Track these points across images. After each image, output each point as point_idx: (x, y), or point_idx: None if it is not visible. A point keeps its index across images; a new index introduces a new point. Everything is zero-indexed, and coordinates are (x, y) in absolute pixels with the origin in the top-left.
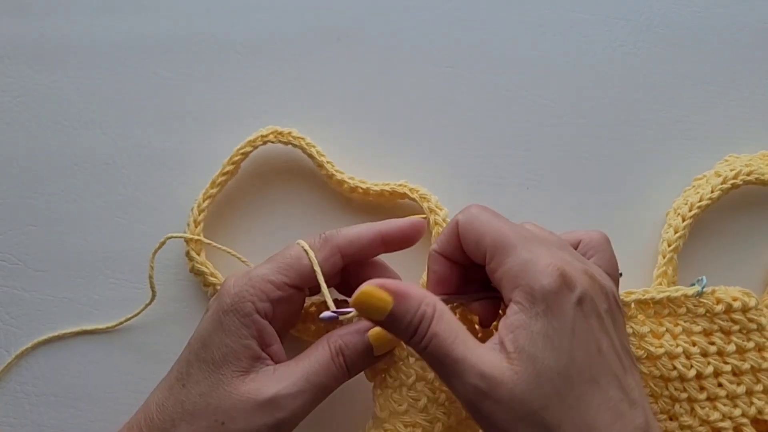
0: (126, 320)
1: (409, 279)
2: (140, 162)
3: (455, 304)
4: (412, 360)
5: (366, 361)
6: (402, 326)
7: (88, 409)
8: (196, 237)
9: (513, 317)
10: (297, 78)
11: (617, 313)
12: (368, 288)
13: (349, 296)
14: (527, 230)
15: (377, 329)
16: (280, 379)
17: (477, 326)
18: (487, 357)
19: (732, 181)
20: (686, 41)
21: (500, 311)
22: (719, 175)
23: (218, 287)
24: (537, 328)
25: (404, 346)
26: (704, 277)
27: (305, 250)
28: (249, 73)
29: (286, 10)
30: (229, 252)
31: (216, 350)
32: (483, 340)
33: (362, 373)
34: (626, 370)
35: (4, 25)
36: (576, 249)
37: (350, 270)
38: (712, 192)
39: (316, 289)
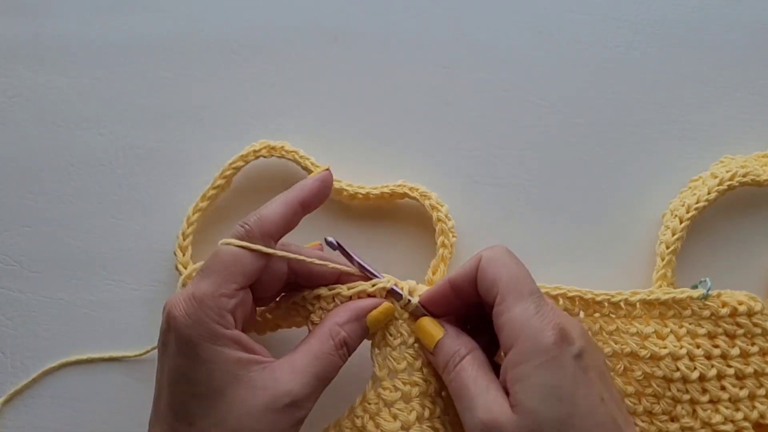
0: (153, 348)
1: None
2: (136, 163)
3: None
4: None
5: (361, 341)
6: (441, 356)
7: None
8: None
9: (513, 370)
10: (294, 78)
11: (607, 366)
12: (428, 319)
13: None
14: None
15: (375, 313)
16: (292, 381)
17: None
18: (497, 402)
19: (728, 182)
20: (682, 42)
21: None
22: (715, 177)
23: None
24: (540, 379)
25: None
26: (708, 279)
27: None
28: (245, 74)
29: (282, 11)
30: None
31: (209, 381)
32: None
33: None
34: (627, 423)
35: (0, 25)
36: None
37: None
38: (709, 193)
39: (266, 298)
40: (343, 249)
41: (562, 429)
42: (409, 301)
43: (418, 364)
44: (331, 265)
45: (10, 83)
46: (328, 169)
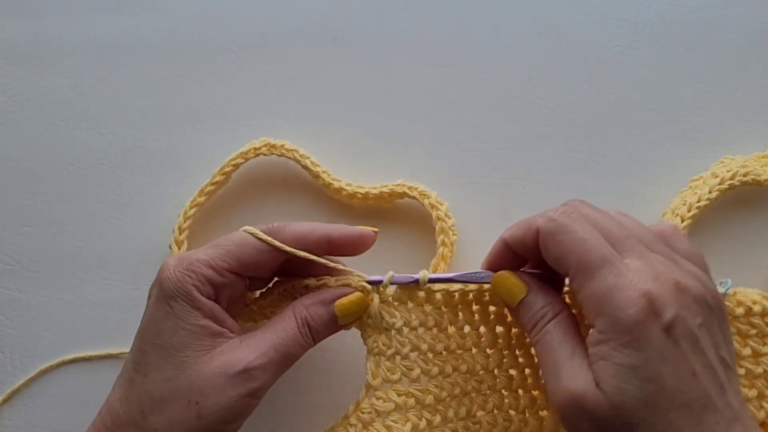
0: None
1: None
2: (135, 162)
3: None
4: (406, 330)
5: (330, 329)
6: (528, 315)
7: None
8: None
9: (595, 348)
10: (293, 78)
11: (714, 320)
12: (507, 272)
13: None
14: (616, 237)
15: (343, 300)
16: (249, 351)
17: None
18: (580, 373)
19: (729, 182)
20: (682, 42)
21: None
22: (716, 176)
23: None
24: (621, 360)
25: (398, 313)
26: (729, 280)
27: (252, 233)
28: (245, 74)
29: (281, 11)
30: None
31: (173, 335)
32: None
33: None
34: (724, 388)
35: (0, 25)
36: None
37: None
38: (710, 192)
39: (258, 284)
40: None
41: (647, 409)
42: (389, 285)
43: (414, 374)
44: (341, 266)
45: (10, 83)
46: (377, 232)
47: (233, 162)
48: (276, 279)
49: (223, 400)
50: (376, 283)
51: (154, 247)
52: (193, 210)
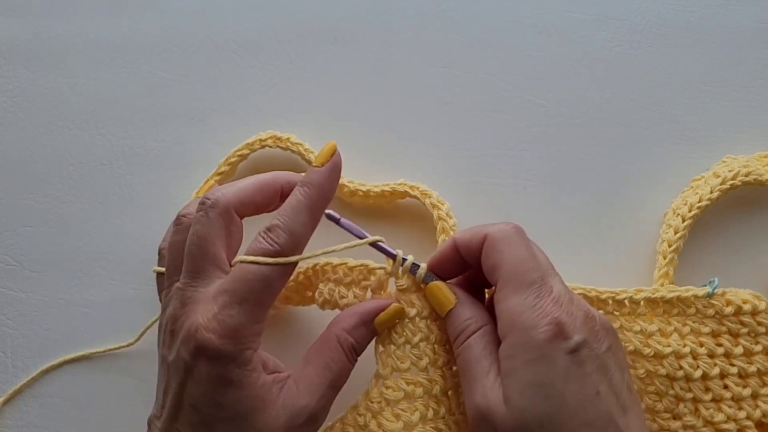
0: (145, 331)
1: None
2: (136, 163)
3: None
4: (418, 319)
5: (369, 342)
6: (451, 327)
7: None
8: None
9: (506, 362)
10: (293, 78)
11: (618, 348)
12: (441, 283)
13: None
14: (546, 264)
15: (382, 317)
16: (309, 396)
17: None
18: (492, 389)
19: (731, 182)
20: (682, 42)
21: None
22: (718, 176)
23: None
24: (528, 377)
25: (411, 304)
26: (716, 279)
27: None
28: (245, 74)
29: (282, 11)
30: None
31: (237, 406)
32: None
33: None
34: (625, 410)
35: (0, 25)
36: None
37: None
38: (711, 192)
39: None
40: (343, 224)
41: (549, 426)
42: (404, 260)
43: (423, 363)
44: (341, 247)
45: (10, 83)
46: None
47: (239, 153)
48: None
49: None
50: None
51: (154, 247)
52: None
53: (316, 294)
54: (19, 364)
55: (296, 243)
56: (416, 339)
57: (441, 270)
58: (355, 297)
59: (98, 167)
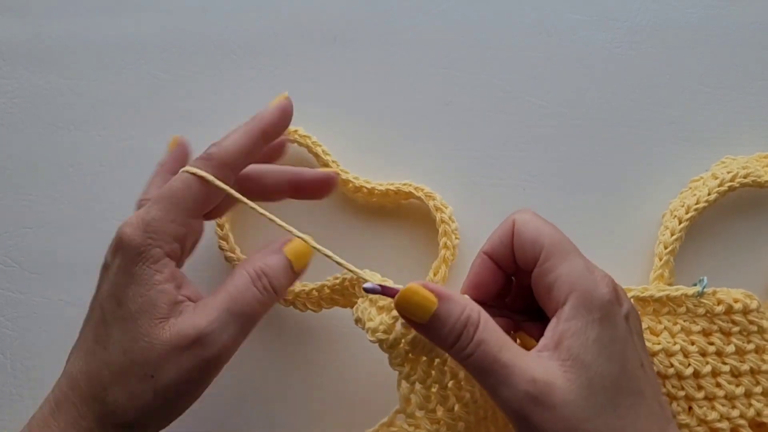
0: None
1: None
2: (135, 164)
3: None
4: (450, 359)
5: (289, 278)
6: (445, 330)
7: None
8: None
9: (567, 323)
10: (293, 79)
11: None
12: (414, 285)
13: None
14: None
15: (290, 244)
16: (200, 317)
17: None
18: (537, 363)
19: (729, 183)
20: (682, 42)
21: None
22: (716, 177)
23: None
24: (593, 335)
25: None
26: (705, 278)
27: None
28: (245, 75)
29: (282, 11)
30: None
31: (132, 303)
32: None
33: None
34: (659, 389)
35: (0, 25)
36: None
37: None
38: (709, 194)
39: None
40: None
41: (611, 388)
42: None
43: (450, 403)
44: (286, 226)
45: (9, 84)
46: (287, 98)
47: None
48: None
49: (177, 374)
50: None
51: None
52: None
53: (353, 308)
54: (19, 365)
55: (222, 154)
56: (446, 380)
57: (480, 287)
58: (381, 325)
59: (98, 168)
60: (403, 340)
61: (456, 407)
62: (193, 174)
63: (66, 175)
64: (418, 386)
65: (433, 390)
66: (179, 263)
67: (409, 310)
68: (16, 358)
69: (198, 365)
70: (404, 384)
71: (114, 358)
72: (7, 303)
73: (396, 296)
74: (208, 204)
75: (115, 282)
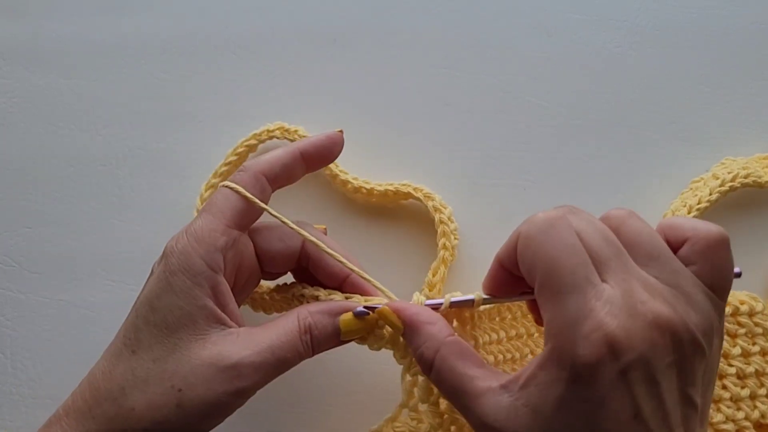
0: None
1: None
2: (136, 164)
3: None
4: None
5: (332, 342)
6: (412, 350)
7: None
8: (240, 189)
9: (537, 370)
10: (292, 80)
11: (689, 360)
12: (384, 309)
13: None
14: (613, 229)
15: (348, 315)
16: (245, 346)
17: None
18: (490, 407)
19: (730, 184)
20: (682, 43)
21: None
22: (717, 178)
23: None
24: (557, 393)
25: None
26: None
27: (233, 189)
28: (244, 75)
29: (281, 12)
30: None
31: (168, 313)
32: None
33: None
34: (673, 428)
35: (0, 25)
36: (678, 250)
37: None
38: (711, 194)
39: (274, 273)
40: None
41: None
42: (373, 313)
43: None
44: (333, 252)
45: (9, 84)
46: (340, 131)
47: (247, 143)
48: (293, 282)
49: (206, 394)
50: (435, 307)
51: (154, 247)
52: (208, 192)
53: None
54: (19, 365)
55: (259, 164)
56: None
57: (499, 291)
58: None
59: (98, 168)
60: (401, 336)
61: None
62: (230, 188)
63: (66, 174)
64: (420, 379)
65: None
66: (234, 286)
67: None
68: (16, 358)
69: (228, 391)
70: (407, 377)
71: (141, 363)
72: (8, 303)
73: (377, 311)
74: (249, 216)
75: (152, 288)
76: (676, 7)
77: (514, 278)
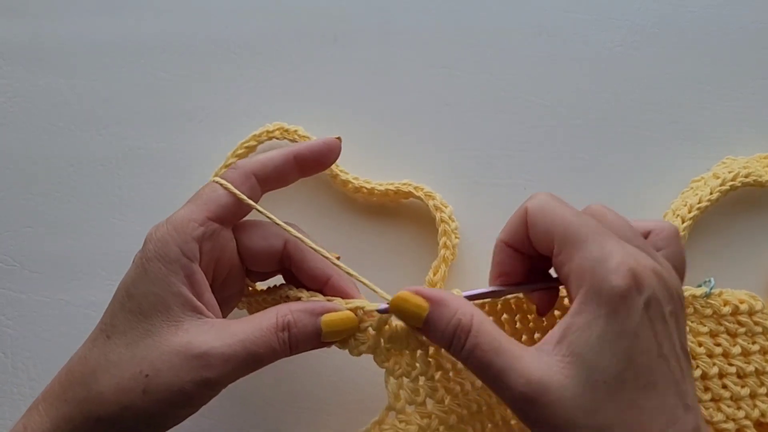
0: None
1: (414, 276)
2: (136, 163)
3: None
4: (432, 350)
5: (312, 344)
6: (438, 334)
7: None
8: (227, 185)
9: (573, 318)
10: (293, 79)
11: (681, 315)
12: (404, 293)
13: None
14: (597, 219)
15: (331, 316)
16: (217, 337)
17: (530, 316)
18: (533, 363)
19: (730, 183)
20: (682, 42)
21: (565, 302)
22: (717, 177)
23: None
24: (597, 331)
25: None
26: (712, 279)
27: (221, 184)
28: (245, 75)
29: (282, 12)
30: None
31: (143, 299)
32: (538, 328)
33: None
34: (684, 375)
35: (0, 25)
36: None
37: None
38: (711, 194)
39: (260, 277)
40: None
41: (613, 383)
42: (384, 311)
43: (439, 395)
44: (319, 248)
45: (9, 84)
46: (338, 138)
47: (246, 144)
48: (282, 283)
49: (172, 381)
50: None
51: None
52: None
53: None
54: (19, 365)
55: (250, 163)
56: (431, 372)
57: (505, 275)
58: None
59: (98, 168)
60: (381, 339)
61: (447, 399)
62: (219, 183)
63: (66, 174)
64: (405, 381)
65: (421, 383)
66: (214, 280)
67: (404, 318)
68: (16, 358)
69: (195, 380)
70: (392, 380)
71: (114, 348)
72: (8, 302)
73: (390, 302)
74: (234, 212)
75: (130, 275)
76: (676, 7)
77: (519, 259)
